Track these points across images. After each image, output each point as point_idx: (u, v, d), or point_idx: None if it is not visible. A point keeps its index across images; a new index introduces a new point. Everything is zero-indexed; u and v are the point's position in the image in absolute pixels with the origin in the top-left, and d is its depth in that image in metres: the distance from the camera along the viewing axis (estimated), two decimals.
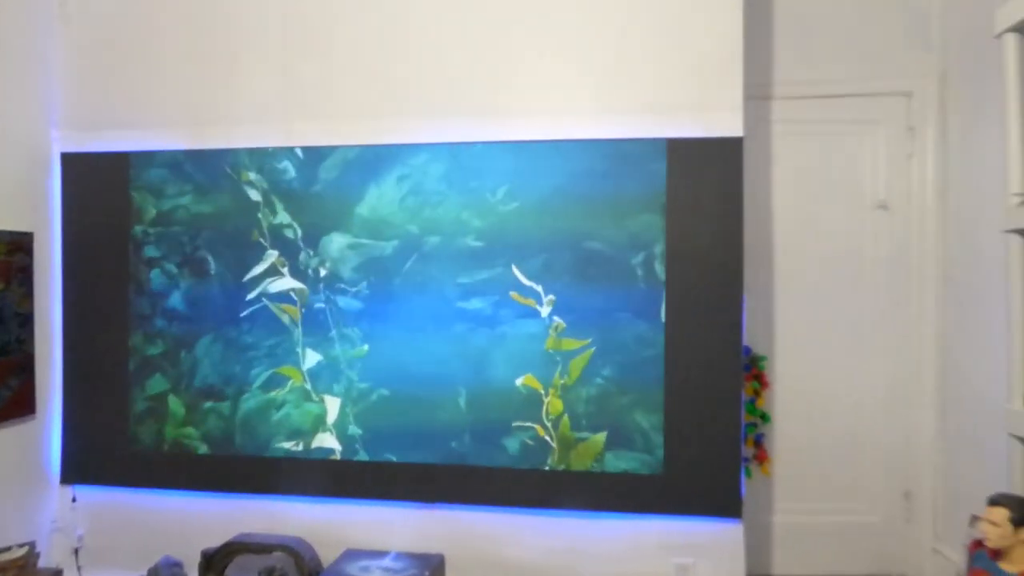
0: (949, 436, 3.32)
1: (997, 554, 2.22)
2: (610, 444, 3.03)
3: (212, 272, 3.30)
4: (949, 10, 3.35)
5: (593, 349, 3.04)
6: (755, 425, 3.46)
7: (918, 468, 3.44)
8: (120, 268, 3.36)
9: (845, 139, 3.53)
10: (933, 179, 3.42)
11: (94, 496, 3.40)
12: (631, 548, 3.04)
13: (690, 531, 3.00)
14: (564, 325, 3.05)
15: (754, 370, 3.45)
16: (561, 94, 3.11)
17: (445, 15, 3.18)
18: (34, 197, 3.34)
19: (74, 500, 3.40)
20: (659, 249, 3.00)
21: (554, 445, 3.06)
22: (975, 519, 2.37)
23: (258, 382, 3.26)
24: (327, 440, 3.21)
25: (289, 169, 3.24)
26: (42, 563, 3.09)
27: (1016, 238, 2.57)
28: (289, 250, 3.24)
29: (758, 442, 3.47)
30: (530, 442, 3.08)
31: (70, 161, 3.41)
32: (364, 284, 3.19)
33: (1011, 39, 2.57)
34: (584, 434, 3.05)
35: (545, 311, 3.07)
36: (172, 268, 3.33)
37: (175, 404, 3.32)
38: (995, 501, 2.22)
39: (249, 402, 3.27)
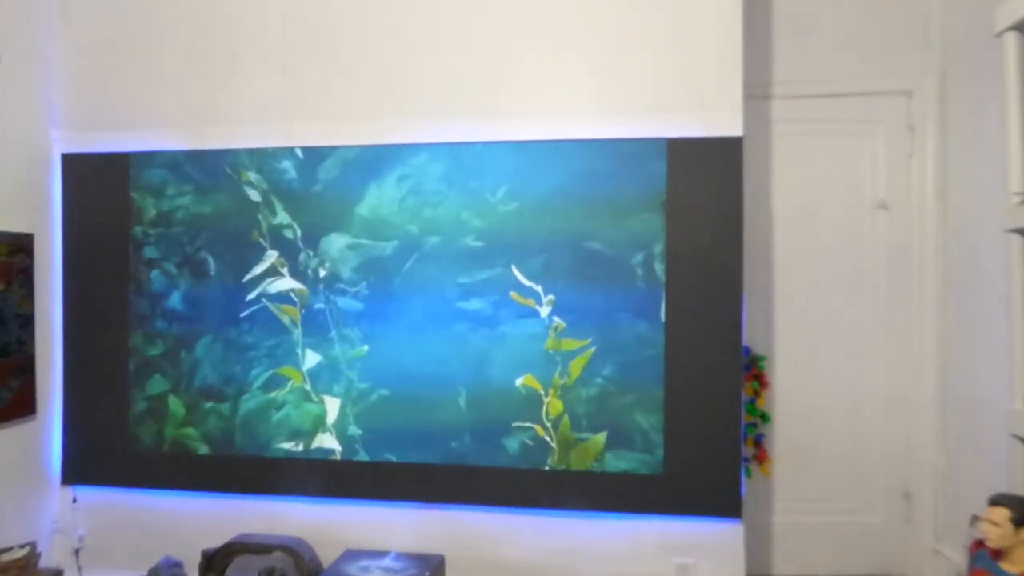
0: (949, 436, 3.32)
1: (998, 554, 2.22)
2: (610, 444, 3.03)
3: (212, 272, 3.30)
4: (949, 9, 3.35)
5: (593, 349, 3.04)
6: (755, 425, 3.46)
7: (918, 468, 3.44)
8: (120, 269, 3.36)
9: (845, 138, 3.52)
10: (933, 179, 3.41)
11: (95, 496, 3.40)
12: (631, 548, 3.04)
13: (690, 531, 3.00)
14: (564, 325, 3.05)
15: (754, 370, 3.45)
16: (561, 94, 3.10)
17: (445, 15, 3.18)
18: (34, 198, 3.34)
19: (75, 500, 3.40)
20: (659, 249, 3.00)
21: (554, 445, 3.06)
22: (976, 519, 2.37)
23: (258, 382, 3.26)
24: (327, 440, 3.21)
25: (289, 169, 3.24)
26: (43, 563, 3.09)
27: (1016, 237, 2.57)
28: (289, 250, 3.24)
29: (758, 442, 3.46)
30: (530, 442, 3.08)
31: (70, 162, 3.41)
32: (364, 284, 3.19)
33: (1011, 38, 2.57)
34: (584, 434, 3.05)
35: (545, 311, 3.07)
36: (172, 268, 3.33)
37: (175, 404, 3.32)
38: (996, 501, 2.22)
39: (249, 402, 3.27)
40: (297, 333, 3.24)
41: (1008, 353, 2.64)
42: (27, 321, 3.24)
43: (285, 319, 3.24)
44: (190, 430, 3.31)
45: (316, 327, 3.22)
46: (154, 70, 3.36)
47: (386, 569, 2.96)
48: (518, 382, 3.08)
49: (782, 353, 3.52)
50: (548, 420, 3.07)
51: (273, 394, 3.25)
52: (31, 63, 3.32)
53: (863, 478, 3.49)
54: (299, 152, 3.23)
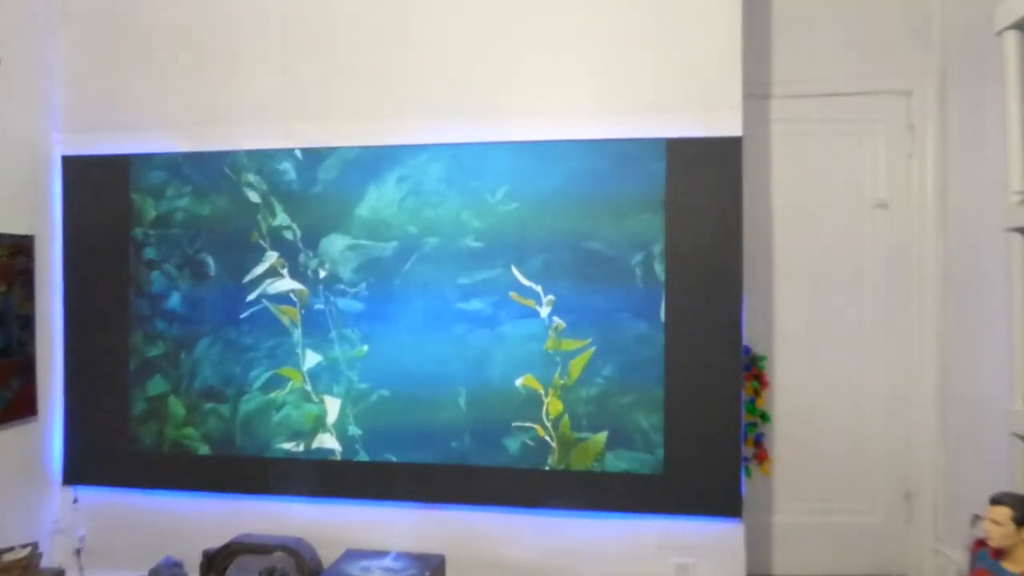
0: (950, 436, 3.31)
1: (999, 553, 2.21)
2: (610, 444, 3.03)
3: (212, 274, 3.30)
4: (949, 8, 3.34)
5: (593, 349, 3.04)
6: (755, 425, 3.46)
7: (918, 468, 3.43)
8: (120, 270, 3.36)
9: (845, 138, 3.52)
10: (933, 178, 3.41)
11: (95, 497, 3.41)
12: (631, 548, 3.04)
13: (690, 531, 3.00)
14: (564, 325, 3.05)
15: (754, 370, 3.45)
16: (561, 94, 3.11)
17: (445, 15, 3.18)
18: (35, 200, 3.34)
19: (76, 501, 3.41)
20: (659, 249, 3.00)
21: (554, 445, 3.06)
22: (977, 518, 2.37)
23: (258, 383, 3.26)
24: (327, 440, 3.21)
25: (289, 170, 3.25)
26: (44, 564, 3.10)
27: (1017, 237, 2.57)
28: (289, 251, 3.25)
29: (758, 442, 3.46)
30: (530, 442, 3.08)
31: (71, 164, 3.41)
32: (364, 285, 3.19)
33: (1011, 36, 2.56)
34: (584, 434, 3.05)
35: (545, 311, 3.07)
36: (172, 270, 3.33)
37: (175, 405, 3.32)
38: (997, 500, 2.22)
39: (249, 403, 3.27)
40: (297, 334, 3.24)
41: (1008, 353, 2.64)
42: (28, 322, 3.25)
43: (285, 320, 3.25)
44: (190, 430, 3.31)
45: (316, 328, 3.22)
46: (154, 72, 3.37)
47: (386, 569, 2.96)
48: (518, 382, 3.08)
49: (782, 353, 3.52)
50: (548, 420, 3.07)
51: (273, 394, 3.25)
52: (31, 65, 3.32)
53: (863, 478, 3.49)
54: (299, 153, 3.24)
